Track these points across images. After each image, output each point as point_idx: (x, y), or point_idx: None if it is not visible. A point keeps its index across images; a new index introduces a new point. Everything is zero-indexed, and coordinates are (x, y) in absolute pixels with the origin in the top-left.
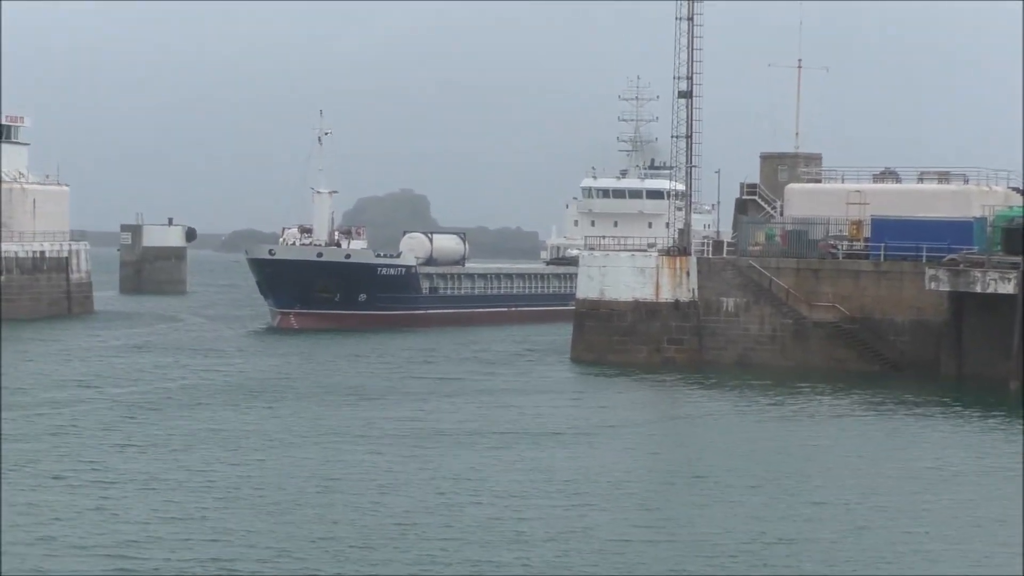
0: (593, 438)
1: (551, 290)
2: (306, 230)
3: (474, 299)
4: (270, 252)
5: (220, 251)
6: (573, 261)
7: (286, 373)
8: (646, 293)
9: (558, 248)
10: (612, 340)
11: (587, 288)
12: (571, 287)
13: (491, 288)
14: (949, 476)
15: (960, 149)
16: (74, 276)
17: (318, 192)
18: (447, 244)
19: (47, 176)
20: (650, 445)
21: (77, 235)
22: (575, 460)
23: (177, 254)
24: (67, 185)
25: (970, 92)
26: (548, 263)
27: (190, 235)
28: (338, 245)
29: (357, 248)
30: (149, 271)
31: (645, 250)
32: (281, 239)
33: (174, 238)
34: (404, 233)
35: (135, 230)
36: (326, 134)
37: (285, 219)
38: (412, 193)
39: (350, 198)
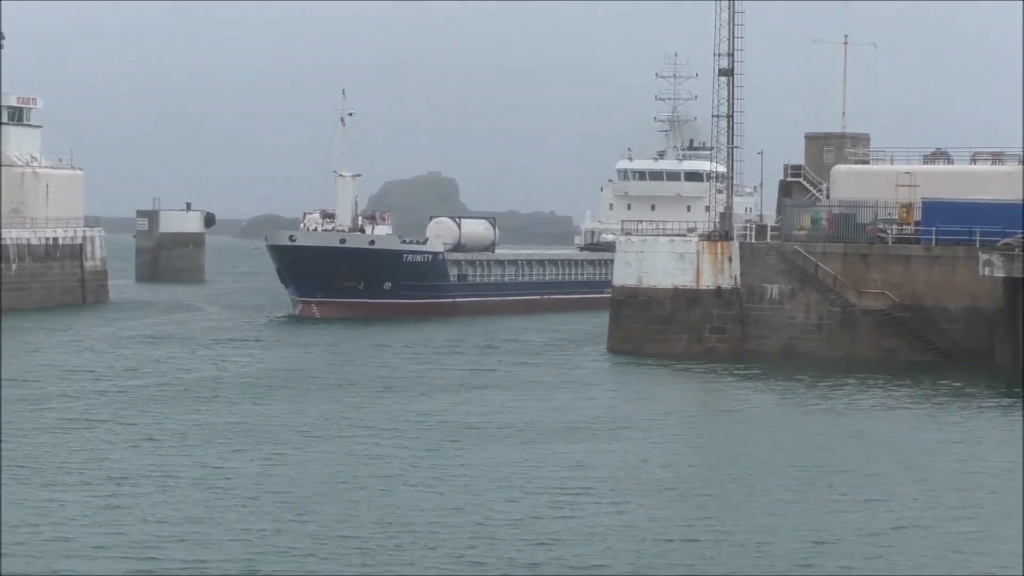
0: (631, 432)
1: (585, 277)
2: (328, 215)
3: (504, 287)
4: (291, 238)
5: (239, 237)
6: (608, 247)
7: (308, 364)
8: (686, 280)
9: (592, 233)
10: (650, 329)
11: (624, 275)
12: (606, 274)
13: (522, 275)
14: (1008, 471)
15: (1015, 129)
16: (88, 264)
17: (340, 175)
18: (476, 229)
19: (60, 160)
20: (691, 440)
21: (92, 221)
22: (612, 455)
23: (195, 240)
24: (81, 169)
25: None
26: (582, 249)
27: (209, 221)
28: (362, 231)
29: (382, 234)
30: (166, 258)
31: (684, 235)
32: (302, 225)
33: (192, 224)
34: (431, 218)
35: (152, 216)
36: (349, 115)
37: (306, 204)
38: (440, 176)
39: (375, 182)
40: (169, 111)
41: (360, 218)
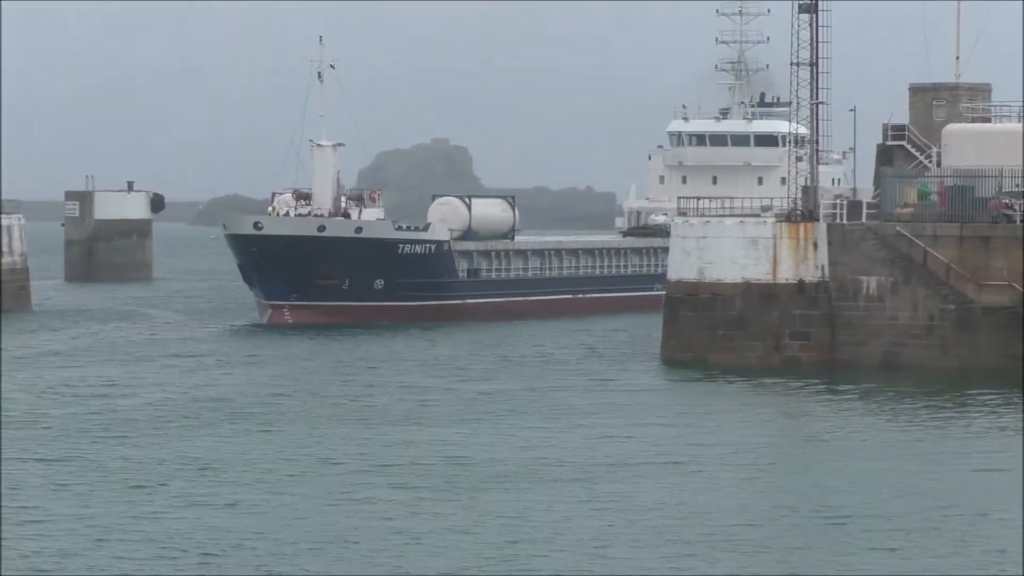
0: (694, 470)
1: (631, 270)
2: (303, 196)
3: (527, 284)
4: (256, 226)
5: (196, 224)
6: (659, 231)
7: (279, 386)
8: (760, 272)
9: (639, 214)
10: (715, 335)
11: (681, 266)
12: (658, 265)
13: (550, 269)
14: None
15: None
16: (5, 261)
17: (318, 145)
18: (491, 211)
19: None
20: (772, 477)
21: (10, 206)
22: (672, 496)
23: (139, 229)
24: None
25: None
26: (626, 234)
27: (156, 204)
28: (346, 215)
29: (371, 219)
30: (103, 252)
31: (758, 215)
32: (271, 208)
33: (135, 208)
34: (434, 197)
35: (84, 198)
36: (330, 67)
37: (277, 182)
38: (447, 144)
39: (365, 153)
40: (112, 73)
41: (344, 199)
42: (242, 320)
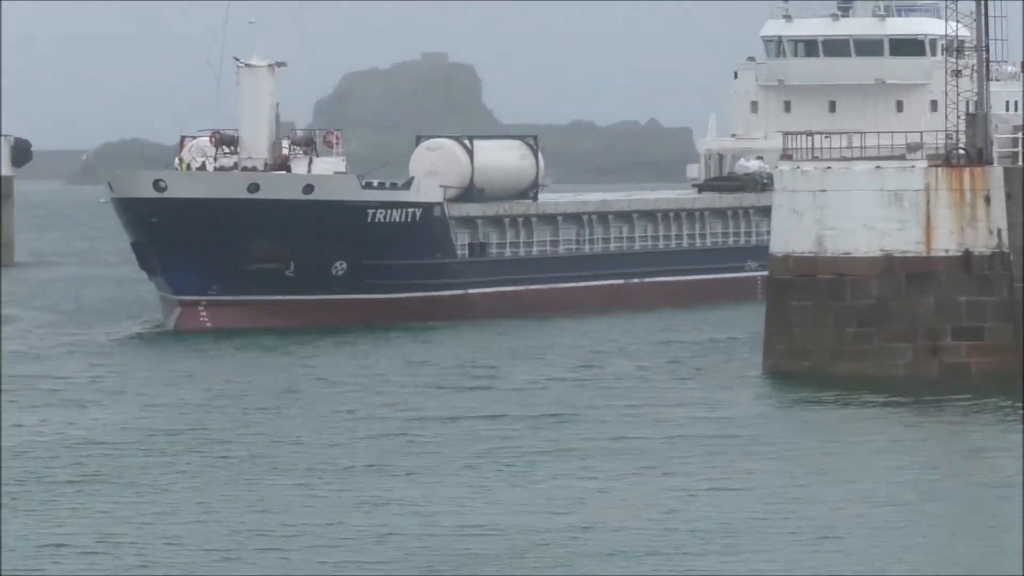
0: (831, 537)
1: (709, 241)
2: (227, 141)
3: (557, 265)
4: (158, 186)
5: (78, 183)
6: (754, 182)
7: (195, 423)
8: (906, 241)
9: (721, 158)
10: (843, 334)
11: (790, 235)
12: (752, 234)
13: (591, 242)
14: None
15: None
16: None
17: (247, 66)
18: (504, 159)
19: None
20: (948, 550)
21: None
22: None
23: None
24: None
25: None
26: (703, 188)
27: (20, 153)
28: (287, 168)
29: (328, 172)
30: None
31: (901, 157)
32: (179, 160)
33: None
34: (418, 139)
35: None
36: None
37: (188, 122)
38: (446, 61)
39: (326, 76)
40: None
41: (287, 144)
42: (139, 324)
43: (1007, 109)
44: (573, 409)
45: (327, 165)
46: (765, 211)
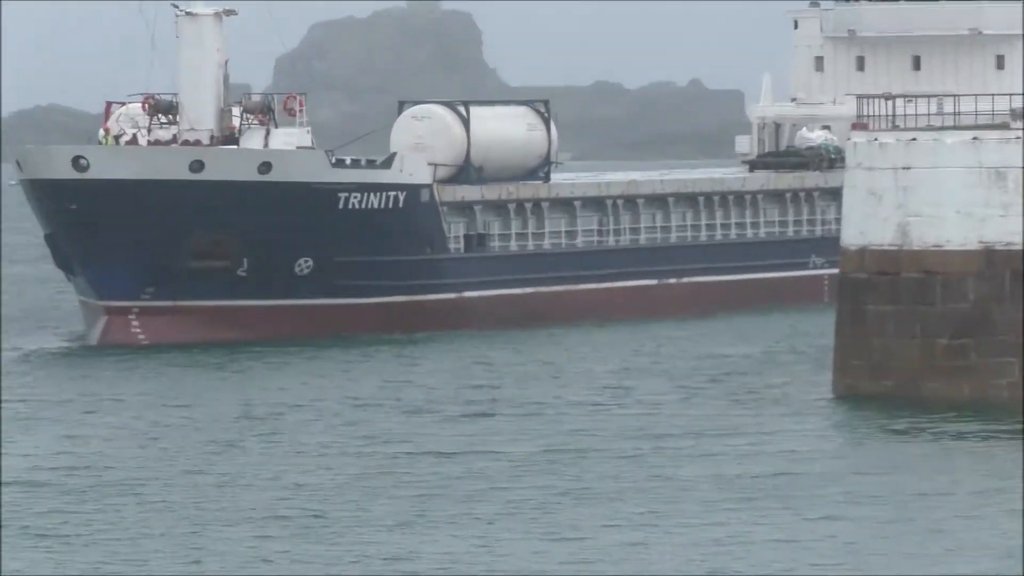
0: None
1: (763, 232)
2: (164, 108)
3: (574, 262)
4: (78, 164)
5: None
6: (818, 158)
7: (125, 460)
8: (1011, 231)
9: (776, 128)
10: (932, 347)
11: (866, 224)
12: (819, 223)
13: (617, 233)
14: None
15: None
16: None
17: (188, 14)
18: (507, 130)
19: None
20: None
21: None
22: None
23: None
24: None
25: None
26: (755, 165)
27: None
28: (238, 143)
29: (290, 146)
30: None
31: (1003, 126)
32: (104, 131)
33: None
34: (401, 105)
35: None
36: None
37: (118, 85)
38: (439, 8)
39: (285, 26)
40: None
41: (238, 112)
42: (56, 336)
43: None
44: (596, 440)
45: (288, 138)
46: (834, 194)
